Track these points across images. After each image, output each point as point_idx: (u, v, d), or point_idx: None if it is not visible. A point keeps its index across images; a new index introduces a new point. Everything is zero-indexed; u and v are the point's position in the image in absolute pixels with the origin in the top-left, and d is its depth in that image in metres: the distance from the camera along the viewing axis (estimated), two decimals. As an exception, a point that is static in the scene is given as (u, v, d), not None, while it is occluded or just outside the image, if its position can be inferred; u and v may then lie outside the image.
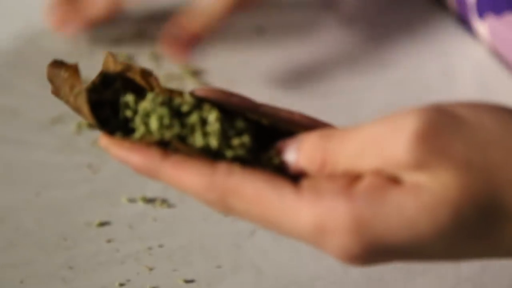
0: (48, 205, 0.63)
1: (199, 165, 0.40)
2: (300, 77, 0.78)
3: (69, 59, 0.46)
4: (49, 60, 0.74)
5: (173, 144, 0.41)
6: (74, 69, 0.44)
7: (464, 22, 0.81)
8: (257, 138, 0.42)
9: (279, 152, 0.41)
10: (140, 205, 0.64)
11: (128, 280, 0.58)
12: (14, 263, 0.59)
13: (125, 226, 0.62)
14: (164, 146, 0.41)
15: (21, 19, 0.81)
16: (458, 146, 0.37)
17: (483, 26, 0.75)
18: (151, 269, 0.59)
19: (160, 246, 0.61)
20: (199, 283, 0.58)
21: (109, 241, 0.61)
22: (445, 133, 0.37)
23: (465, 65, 0.79)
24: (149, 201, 0.64)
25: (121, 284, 0.58)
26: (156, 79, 0.43)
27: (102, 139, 0.43)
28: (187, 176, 0.40)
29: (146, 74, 0.43)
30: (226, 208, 0.41)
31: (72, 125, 0.70)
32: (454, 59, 0.80)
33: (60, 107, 0.70)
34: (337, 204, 0.38)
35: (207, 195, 0.40)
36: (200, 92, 0.43)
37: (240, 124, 0.42)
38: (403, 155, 0.38)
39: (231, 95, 0.43)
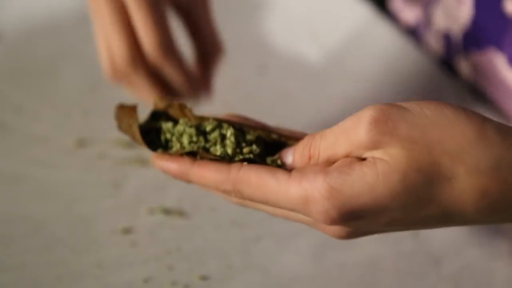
0: (77, 216, 0.71)
1: (218, 166, 0.53)
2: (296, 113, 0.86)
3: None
4: (70, 90, 0.84)
5: (200, 154, 0.55)
6: (133, 107, 0.58)
7: (446, 61, 0.88)
8: (268, 149, 0.56)
9: (281, 157, 0.54)
10: (159, 216, 0.72)
11: (151, 277, 0.66)
12: (50, 263, 0.67)
13: (146, 233, 0.70)
14: (193, 156, 0.55)
15: (44, 54, 0.89)
16: (403, 128, 0.48)
17: (467, 63, 0.83)
18: (170, 268, 0.67)
19: (178, 249, 0.69)
20: (213, 280, 0.66)
21: (132, 245, 0.69)
22: (393, 119, 0.48)
23: (447, 100, 0.87)
24: (167, 212, 0.72)
25: (145, 280, 0.66)
26: (189, 110, 0.58)
27: (152, 160, 0.57)
28: (209, 173, 0.54)
29: (182, 107, 0.58)
30: (237, 195, 0.53)
31: (94, 149, 0.79)
32: (435, 94, 0.88)
33: (81, 134, 0.79)
34: (316, 178, 0.49)
35: (224, 186, 0.53)
36: (222, 117, 0.57)
37: (250, 137, 0.55)
38: (363, 138, 0.49)
39: (246, 118, 0.58)
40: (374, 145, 0.48)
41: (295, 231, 0.70)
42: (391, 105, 0.49)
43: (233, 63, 0.86)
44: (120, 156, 0.77)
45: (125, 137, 0.79)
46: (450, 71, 0.88)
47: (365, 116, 0.49)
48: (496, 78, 0.79)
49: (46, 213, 0.71)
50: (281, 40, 0.95)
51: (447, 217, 0.49)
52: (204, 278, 0.66)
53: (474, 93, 0.86)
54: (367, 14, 0.99)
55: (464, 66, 0.83)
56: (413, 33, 0.95)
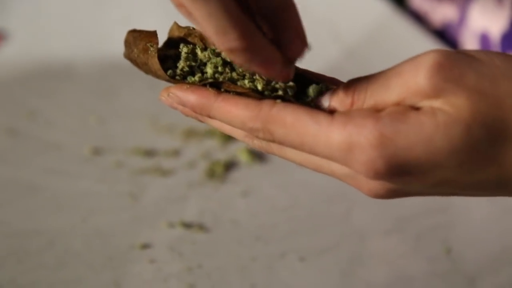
0: (94, 230, 0.68)
1: (247, 100, 0.46)
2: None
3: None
4: (86, 94, 0.81)
5: (225, 86, 0.47)
6: (152, 32, 0.49)
7: None
8: (298, 92, 0.47)
9: (316, 100, 0.46)
10: (179, 229, 0.69)
11: (171, 297, 0.63)
12: (65, 281, 0.63)
13: (166, 248, 0.67)
14: (216, 89, 0.47)
15: (58, 56, 0.86)
16: (471, 77, 0.42)
17: None
18: (192, 287, 0.64)
19: (199, 266, 0.65)
20: (236, 300, 0.63)
21: (151, 262, 0.66)
22: (460, 66, 0.42)
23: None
24: (187, 226, 0.69)
25: (165, 300, 0.63)
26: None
27: (163, 91, 0.48)
28: (236, 108, 0.46)
29: (204, 36, 0.49)
30: (266, 135, 0.45)
31: (110, 158, 0.75)
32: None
33: (97, 141, 0.76)
34: (365, 123, 0.42)
35: (252, 123, 0.45)
36: None
37: None
38: (423, 83, 0.42)
39: None
40: (435, 93, 0.42)
41: (321, 247, 0.67)
42: (456, 50, 0.43)
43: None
44: (138, 165, 0.74)
45: (143, 145, 0.76)
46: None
47: (427, 60, 0.42)
48: None
49: (61, 226, 0.68)
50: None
51: (503, 183, 0.43)
52: (227, 297, 0.63)
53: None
54: (389, 12, 0.95)
55: None
56: (440, 33, 0.91)
